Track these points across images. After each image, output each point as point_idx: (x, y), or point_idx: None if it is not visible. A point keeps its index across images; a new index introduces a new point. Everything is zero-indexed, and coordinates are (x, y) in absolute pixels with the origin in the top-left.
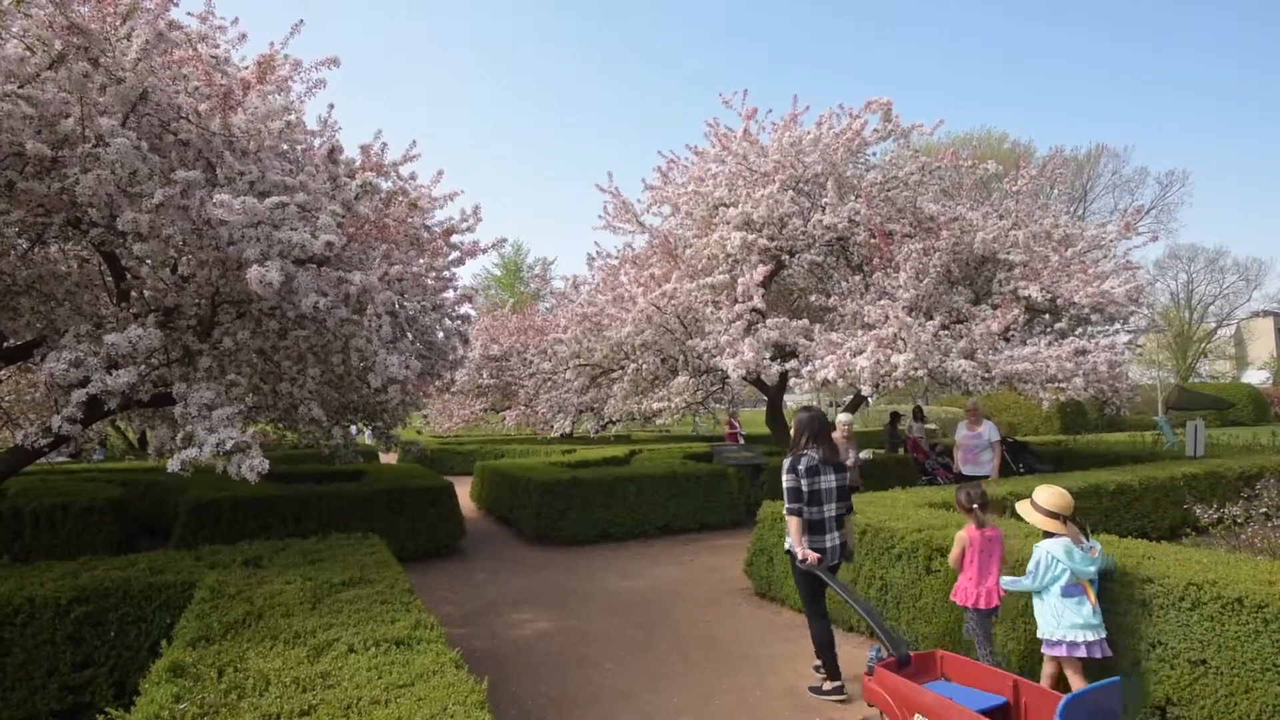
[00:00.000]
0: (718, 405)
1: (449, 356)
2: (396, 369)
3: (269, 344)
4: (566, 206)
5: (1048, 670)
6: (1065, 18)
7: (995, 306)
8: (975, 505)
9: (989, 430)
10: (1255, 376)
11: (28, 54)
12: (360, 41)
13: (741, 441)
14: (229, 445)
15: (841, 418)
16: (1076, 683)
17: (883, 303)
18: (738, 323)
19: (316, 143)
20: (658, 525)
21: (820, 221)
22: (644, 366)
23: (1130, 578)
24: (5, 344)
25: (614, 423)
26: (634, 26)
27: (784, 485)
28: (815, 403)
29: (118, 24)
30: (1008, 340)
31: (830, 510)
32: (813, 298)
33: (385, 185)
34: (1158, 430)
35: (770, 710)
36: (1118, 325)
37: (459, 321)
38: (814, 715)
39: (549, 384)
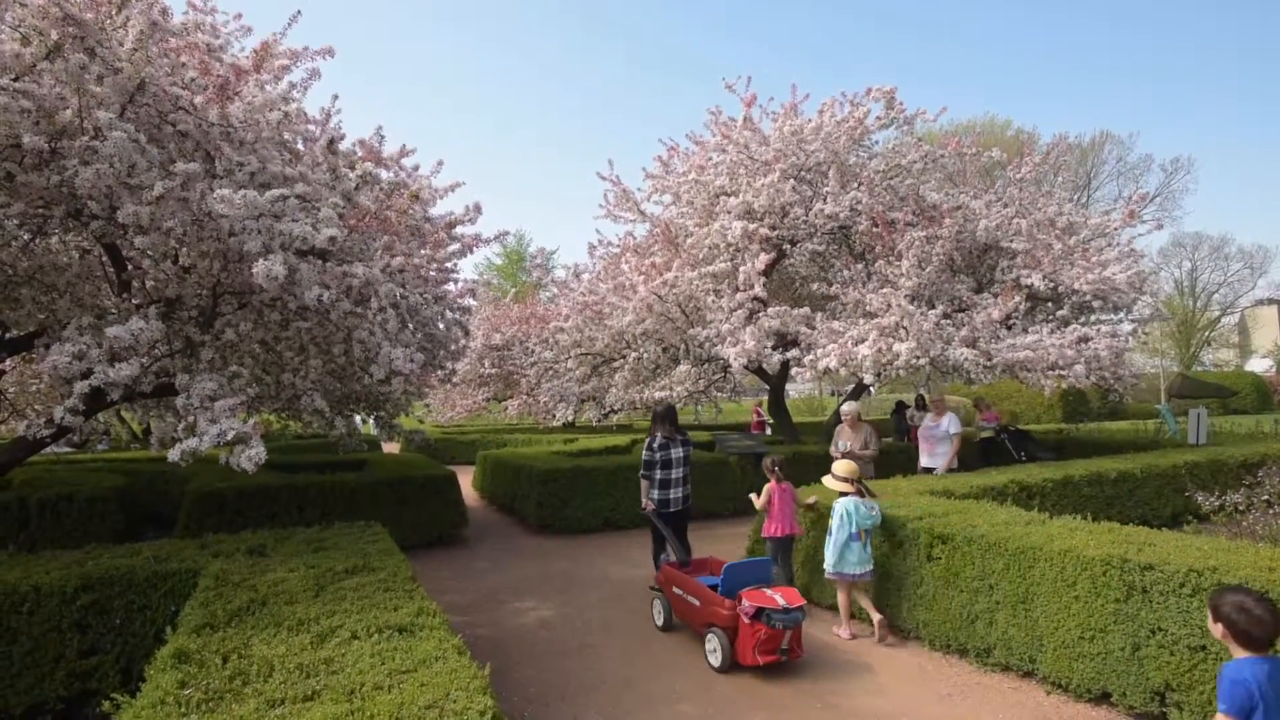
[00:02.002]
0: (719, 394)
1: (451, 347)
2: (401, 362)
3: (271, 335)
4: (568, 197)
5: (842, 596)
6: (1070, 4)
7: (997, 295)
8: (776, 468)
9: (949, 422)
10: (1259, 365)
11: (23, 46)
12: (360, 32)
13: (768, 431)
14: (230, 436)
15: (845, 407)
16: (864, 600)
17: (885, 291)
18: (739, 311)
19: (317, 132)
20: None
21: (822, 210)
22: (645, 355)
23: (1130, 564)
24: (8, 335)
25: (616, 411)
26: (635, 16)
27: (642, 458)
28: (817, 392)
29: (113, 13)
30: (1009, 328)
31: (677, 472)
32: (814, 286)
33: (386, 176)
34: (1160, 418)
35: (770, 695)
36: (1122, 314)
37: (460, 313)
38: (812, 699)
39: (551, 373)
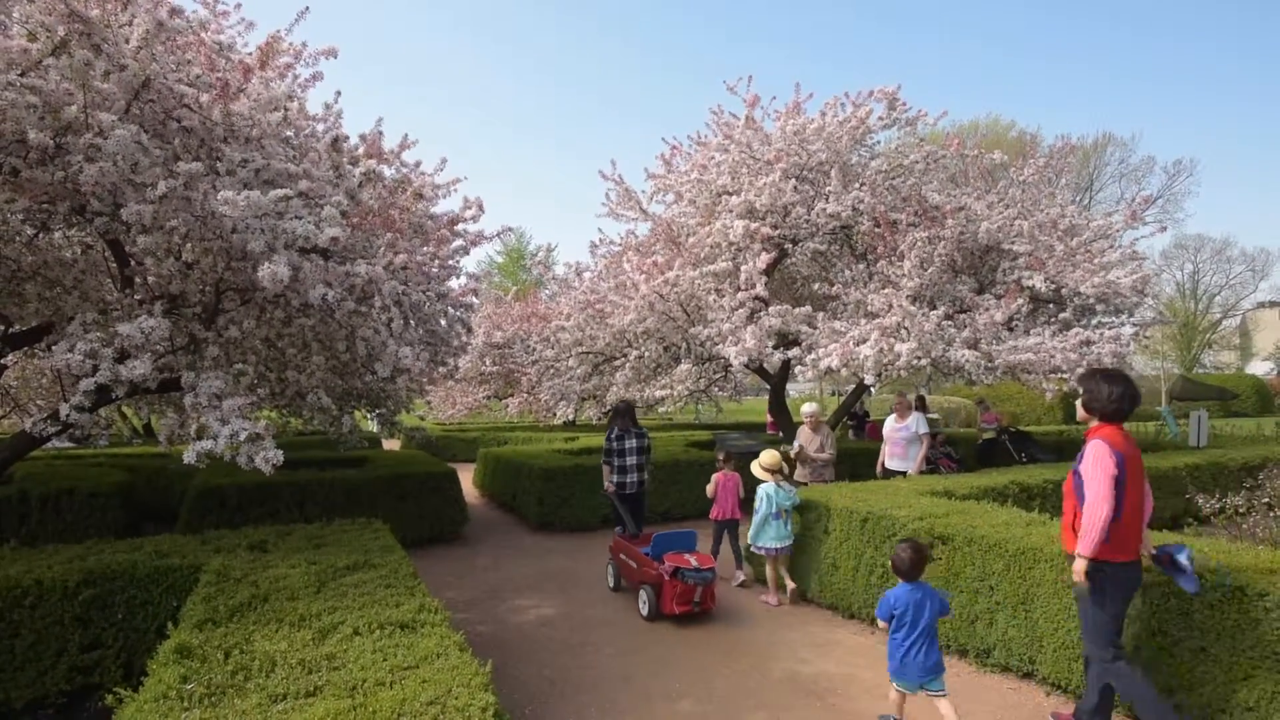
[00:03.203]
0: (720, 393)
1: (453, 344)
2: (410, 360)
3: (274, 332)
4: (567, 194)
5: (769, 569)
6: (1072, 5)
7: (999, 296)
8: (722, 457)
9: (916, 423)
10: (1260, 368)
11: (30, 42)
12: (357, 27)
13: (781, 433)
14: (243, 436)
15: (805, 409)
16: (774, 571)
17: (886, 291)
18: (740, 310)
19: (320, 129)
20: (660, 512)
21: (824, 210)
22: (646, 354)
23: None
24: (11, 330)
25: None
26: (636, 13)
27: (604, 447)
28: (818, 391)
29: (118, 10)
30: (1011, 330)
31: (632, 460)
32: (816, 286)
33: (389, 173)
34: (1161, 421)
35: (770, 695)
36: (1124, 316)
37: (463, 310)
38: (814, 700)
39: (552, 371)
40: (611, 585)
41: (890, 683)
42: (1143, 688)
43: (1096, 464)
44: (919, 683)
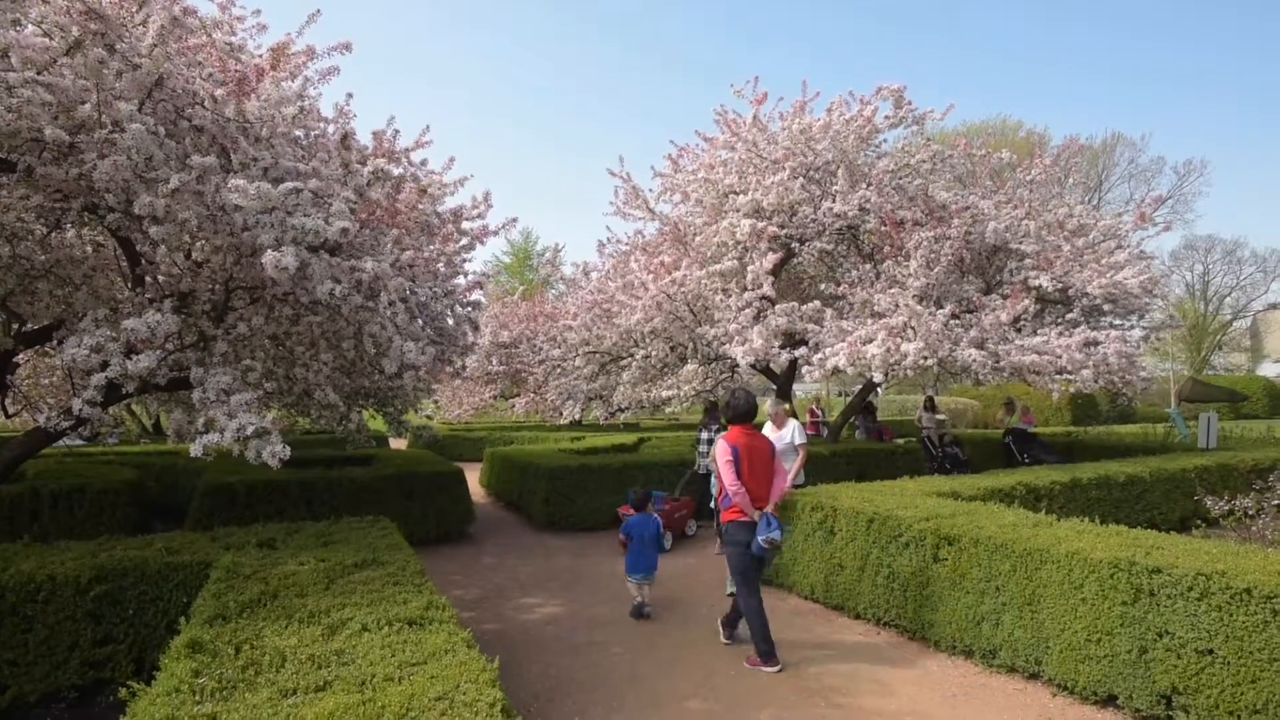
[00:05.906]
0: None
1: (460, 342)
2: (414, 354)
3: (282, 329)
4: (571, 194)
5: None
6: (1081, 6)
7: (1006, 296)
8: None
9: (792, 433)
10: (1271, 369)
11: (46, 40)
12: (368, 26)
13: (824, 433)
14: (249, 430)
15: (769, 407)
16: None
17: (893, 291)
18: (747, 310)
19: (330, 130)
20: None
21: (831, 209)
22: (653, 354)
23: (1138, 567)
24: (24, 327)
25: (623, 410)
26: (637, 14)
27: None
28: (824, 391)
29: (134, 10)
30: (1018, 330)
31: (702, 447)
32: (823, 286)
33: (396, 171)
34: (1170, 422)
35: (776, 693)
36: (1134, 317)
37: (469, 308)
38: (817, 699)
39: (558, 371)
40: None
41: (626, 577)
42: (755, 615)
43: (721, 455)
44: (641, 576)
